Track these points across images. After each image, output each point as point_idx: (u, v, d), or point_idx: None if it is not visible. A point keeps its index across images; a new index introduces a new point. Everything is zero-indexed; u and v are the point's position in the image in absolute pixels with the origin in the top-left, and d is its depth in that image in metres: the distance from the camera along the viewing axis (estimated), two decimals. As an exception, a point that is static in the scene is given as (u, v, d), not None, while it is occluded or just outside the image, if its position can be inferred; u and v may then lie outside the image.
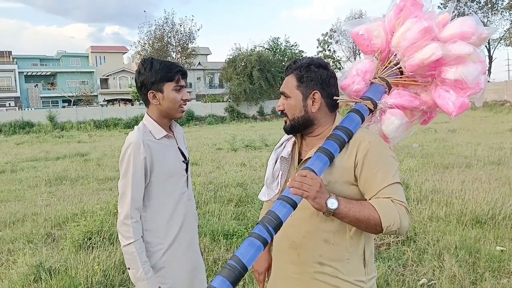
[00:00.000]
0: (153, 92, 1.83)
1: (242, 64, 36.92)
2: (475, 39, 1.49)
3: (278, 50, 46.13)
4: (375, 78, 1.58)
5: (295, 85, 1.50)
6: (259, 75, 36.21)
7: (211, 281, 1.25)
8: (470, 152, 9.39)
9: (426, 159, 8.61)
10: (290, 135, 1.60)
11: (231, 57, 38.91)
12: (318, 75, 1.48)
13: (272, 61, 38.68)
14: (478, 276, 3.33)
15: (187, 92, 1.93)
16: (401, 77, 1.58)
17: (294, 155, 1.58)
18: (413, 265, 3.58)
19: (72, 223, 4.83)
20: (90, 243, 4.21)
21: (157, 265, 1.83)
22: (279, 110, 1.53)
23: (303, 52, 47.81)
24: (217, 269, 3.57)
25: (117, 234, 4.58)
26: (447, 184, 6.09)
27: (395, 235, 3.96)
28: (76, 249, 4.12)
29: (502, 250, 3.74)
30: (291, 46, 47.23)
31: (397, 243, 4.03)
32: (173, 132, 1.96)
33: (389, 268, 3.48)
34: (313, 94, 1.48)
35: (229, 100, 38.31)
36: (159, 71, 1.81)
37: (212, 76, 52.68)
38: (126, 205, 1.75)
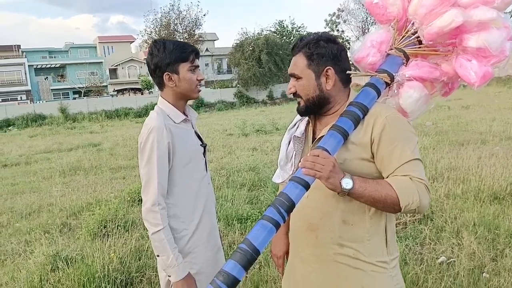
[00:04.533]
0: (168, 74, 1.75)
1: (250, 49, 36.54)
2: (499, 3, 1.39)
3: (285, 33, 45.55)
4: (392, 49, 1.50)
5: (305, 64, 1.41)
6: (268, 58, 35.86)
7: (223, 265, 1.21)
8: (485, 128, 9.22)
9: (441, 137, 8.47)
10: None
11: (238, 41, 38.53)
12: (328, 50, 1.40)
13: (279, 44, 38.25)
14: (498, 253, 3.27)
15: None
16: (419, 47, 1.49)
17: (308, 134, 1.52)
18: (431, 243, 3.52)
19: (87, 212, 4.87)
20: (106, 231, 4.23)
21: (184, 250, 1.79)
22: (291, 93, 1.45)
23: (311, 33, 47.19)
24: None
25: (132, 221, 4.60)
26: (463, 161, 5.98)
27: (413, 214, 3.91)
28: (92, 237, 4.14)
29: (522, 226, 3.66)
30: (299, 28, 46.60)
31: (413, 222, 3.96)
32: (187, 115, 1.90)
33: (406, 247, 3.43)
34: (326, 71, 1.40)
35: (238, 85, 38.12)
36: (174, 52, 1.73)
37: (220, 61, 52.39)
38: (152, 192, 1.69)
